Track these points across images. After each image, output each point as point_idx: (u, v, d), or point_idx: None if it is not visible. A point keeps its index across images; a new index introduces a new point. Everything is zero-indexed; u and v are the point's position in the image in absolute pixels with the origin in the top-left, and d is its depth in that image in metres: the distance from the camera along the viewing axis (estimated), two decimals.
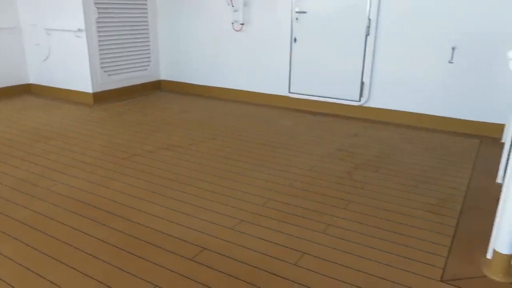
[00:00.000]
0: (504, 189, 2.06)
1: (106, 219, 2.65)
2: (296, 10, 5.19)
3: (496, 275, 2.10)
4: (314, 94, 5.38)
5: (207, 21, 5.94)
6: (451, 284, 2.07)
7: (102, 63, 5.66)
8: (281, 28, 5.37)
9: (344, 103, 5.20)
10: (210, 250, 2.33)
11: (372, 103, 5.03)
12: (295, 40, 5.30)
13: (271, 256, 2.29)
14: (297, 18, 5.21)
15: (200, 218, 2.68)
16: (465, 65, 4.35)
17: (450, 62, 4.44)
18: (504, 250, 2.06)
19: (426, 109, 4.71)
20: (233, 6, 5.59)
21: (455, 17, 4.32)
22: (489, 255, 2.20)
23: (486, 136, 4.42)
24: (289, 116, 5.21)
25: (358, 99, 5.10)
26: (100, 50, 5.60)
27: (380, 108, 4.99)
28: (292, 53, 5.39)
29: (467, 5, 4.23)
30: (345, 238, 2.48)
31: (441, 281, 2.10)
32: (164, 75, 6.66)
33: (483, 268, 2.18)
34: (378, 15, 4.70)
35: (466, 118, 4.48)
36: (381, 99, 4.96)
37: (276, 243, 2.42)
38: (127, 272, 2.13)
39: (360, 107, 5.11)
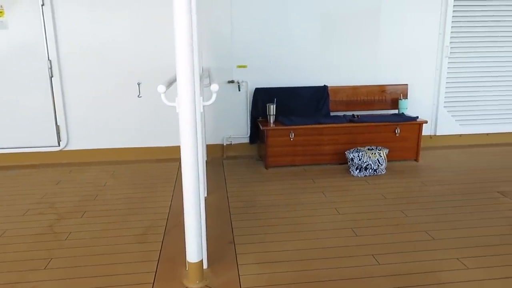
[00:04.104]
0: (184, 206, 2.31)
1: None
2: None
3: (194, 283, 2.34)
4: (4, 147, 4.69)
5: None
6: None
7: None
8: None
9: (42, 150, 4.76)
10: None
11: (73, 146, 4.80)
12: None
13: None
14: None
15: None
16: (150, 98, 4.74)
17: (139, 96, 4.75)
18: (193, 259, 2.31)
19: (128, 143, 4.87)
20: None
21: (137, 56, 4.65)
22: (187, 267, 2.42)
23: None
24: None
25: (57, 144, 4.76)
26: None
27: (82, 149, 4.82)
28: None
29: (145, 44, 4.64)
30: None
31: None
32: None
33: (183, 281, 2.38)
34: (58, 55, 4.54)
35: (163, 145, 4.89)
36: (82, 140, 4.80)
37: None
38: None
39: (61, 151, 4.79)
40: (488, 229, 3.00)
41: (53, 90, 4.63)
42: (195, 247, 2.30)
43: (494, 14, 5.07)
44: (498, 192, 3.73)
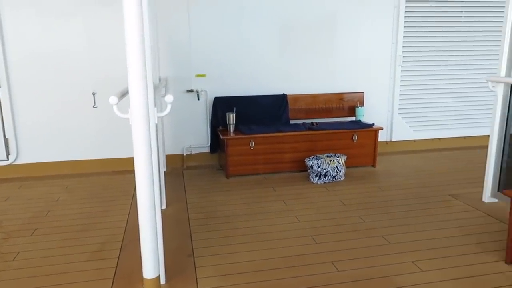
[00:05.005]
0: (139, 220, 2.23)
1: None
2: None
3: None
4: None
5: None
6: None
7: None
8: None
9: None
10: None
11: (24, 159, 4.57)
12: None
13: None
14: None
15: None
16: (107, 108, 4.60)
17: (94, 107, 4.60)
18: (149, 275, 2.24)
19: (83, 155, 4.69)
20: None
21: (92, 64, 4.51)
22: (143, 284, 2.34)
23: None
24: None
25: (5, 158, 4.52)
26: None
27: (34, 163, 4.60)
28: None
29: (101, 52, 4.50)
30: None
31: None
32: None
33: None
34: (6, 64, 4.32)
35: (121, 156, 4.75)
36: (33, 153, 4.58)
37: None
38: None
39: (10, 166, 4.55)
40: (441, 232, 3.11)
41: (1, 100, 4.40)
42: (151, 263, 2.24)
43: (443, 25, 5.32)
44: (449, 195, 3.88)
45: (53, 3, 4.33)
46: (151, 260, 2.22)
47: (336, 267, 2.61)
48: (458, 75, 5.54)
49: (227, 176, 4.50)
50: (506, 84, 3.50)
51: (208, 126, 4.94)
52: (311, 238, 3.04)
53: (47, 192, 4.10)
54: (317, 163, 4.25)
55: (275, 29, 4.91)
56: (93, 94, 4.57)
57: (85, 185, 4.30)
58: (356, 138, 4.68)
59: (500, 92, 3.53)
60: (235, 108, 4.68)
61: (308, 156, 4.50)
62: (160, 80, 4.31)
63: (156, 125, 2.32)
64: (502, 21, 3.48)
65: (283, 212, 3.54)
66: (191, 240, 3.03)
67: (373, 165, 4.82)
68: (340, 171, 4.31)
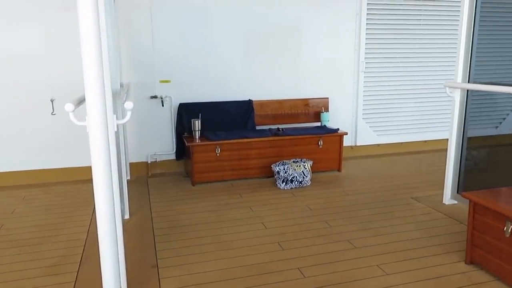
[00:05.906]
0: (98, 232, 2.14)
1: None
2: None
3: None
4: None
5: None
6: None
7: None
8: None
9: None
10: None
11: None
12: None
13: None
14: None
15: None
16: (67, 115, 4.42)
17: (53, 114, 4.41)
18: None
19: (42, 164, 4.49)
20: None
21: (50, 70, 4.34)
22: None
23: None
24: None
25: None
26: None
27: None
28: None
29: (60, 57, 4.34)
30: None
31: None
32: None
33: None
34: None
35: (82, 165, 4.57)
36: None
37: None
38: None
39: None
40: (404, 234, 3.17)
41: None
42: (111, 276, 2.14)
43: (403, 33, 5.48)
44: (412, 198, 3.98)
45: (8, 4, 4.14)
46: (112, 273, 2.13)
47: (302, 274, 2.60)
48: (418, 80, 5.71)
49: (193, 184, 4.43)
50: (462, 89, 3.63)
51: (173, 133, 4.86)
52: (278, 244, 3.02)
53: (1, 204, 3.88)
54: (284, 169, 4.26)
55: (241, 35, 4.90)
56: (52, 101, 4.39)
57: (43, 196, 4.11)
58: (321, 143, 4.72)
59: (457, 97, 3.66)
60: (200, 114, 4.62)
61: (275, 162, 4.50)
62: (122, 85, 4.20)
63: (117, 132, 2.24)
64: (458, 29, 3.61)
65: (250, 219, 3.51)
66: (155, 250, 2.94)
67: (339, 170, 4.87)
68: (306, 176, 4.33)
